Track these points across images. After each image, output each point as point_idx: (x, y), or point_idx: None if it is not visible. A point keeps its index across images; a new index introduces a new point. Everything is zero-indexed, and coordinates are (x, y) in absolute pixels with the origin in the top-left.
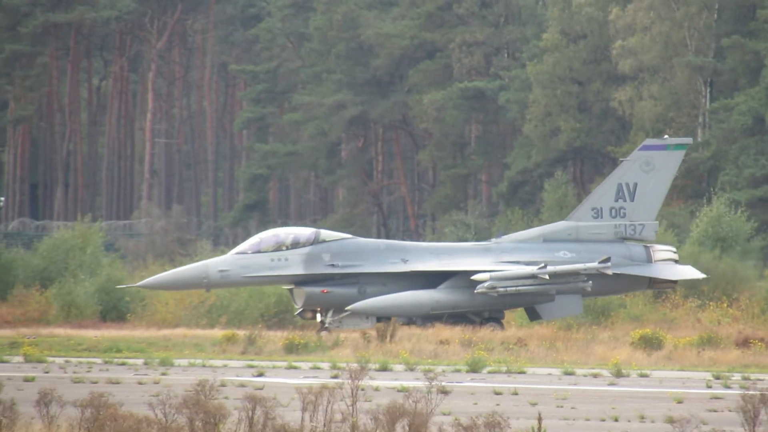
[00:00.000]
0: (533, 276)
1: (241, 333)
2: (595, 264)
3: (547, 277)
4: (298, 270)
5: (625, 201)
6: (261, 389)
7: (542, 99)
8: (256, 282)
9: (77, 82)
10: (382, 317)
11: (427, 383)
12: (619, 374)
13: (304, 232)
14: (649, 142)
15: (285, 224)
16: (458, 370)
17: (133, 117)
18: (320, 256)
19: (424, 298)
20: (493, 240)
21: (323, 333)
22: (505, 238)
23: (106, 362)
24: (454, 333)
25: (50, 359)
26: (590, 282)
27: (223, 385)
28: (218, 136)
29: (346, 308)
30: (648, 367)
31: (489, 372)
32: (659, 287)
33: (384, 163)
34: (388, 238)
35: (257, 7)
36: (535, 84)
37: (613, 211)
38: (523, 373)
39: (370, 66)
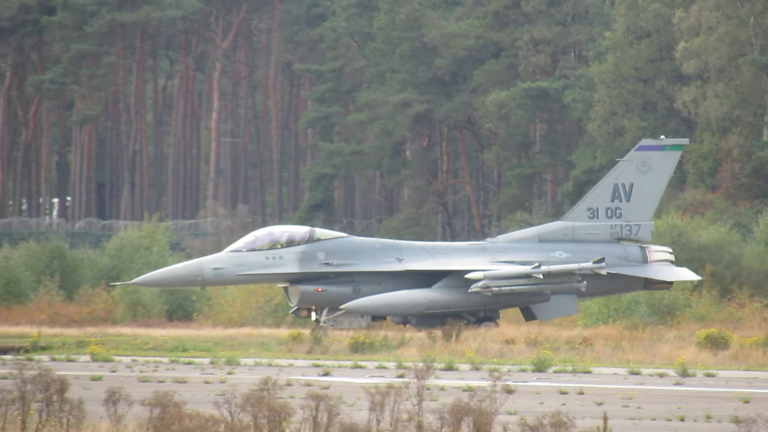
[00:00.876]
0: (527, 275)
1: (307, 332)
2: (589, 264)
3: (541, 276)
4: (293, 268)
5: (621, 201)
6: (327, 388)
7: (606, 99)
8: (251, 280)
9: (143, 81)
10: (377, 316)
11: (492, 382)
12: (685, 374)
13: (299, 230)
14: (645, 142)
15: (350, 224)
16: (524, 370)
17: (198, 116)
18: (315, 255)
19: (419, 297)
20: (489, 240)
21: (318, 331)
22: (501, 237)
23: (172, 361)
24: (520, 332)
25: (117, 358)
26: (585, 282)
27: (288, 384)
28: (283, 136)
29: (341, 307)
30: (714, 367)
31: (554, 371)
32: (655, 288)
33: (449, 162)
34: (453, 238)
35: (322, 6)
36: (598, 84)
37: (609, 211)
38: (589, 372)
39: (433, 65)
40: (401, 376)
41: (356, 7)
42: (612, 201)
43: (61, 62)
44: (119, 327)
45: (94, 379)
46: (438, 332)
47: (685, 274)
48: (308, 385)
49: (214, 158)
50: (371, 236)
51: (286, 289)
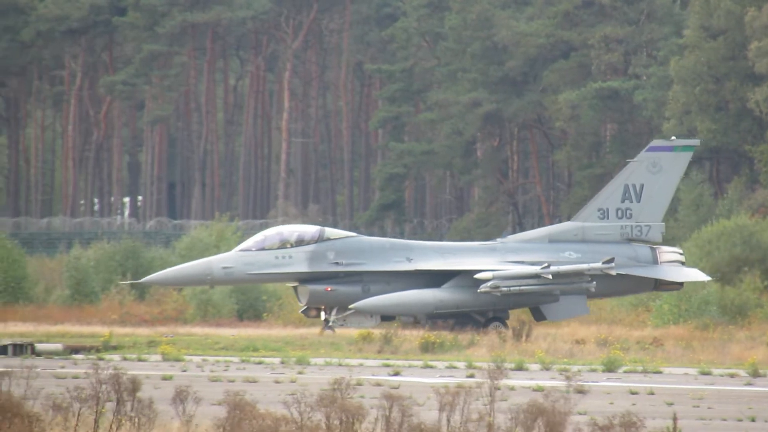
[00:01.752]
0: (536, 276)
1: (378, 332)
2: (598, 264)
3: (550, 276)
4: (303, 268)
5: (631, 202)
6: (397, 388)
7: (681, 96)
8: (260, 279)
9: (214, 81)
10: (386, 316)
11: (563, 383)
12: (756, 374)
13: (309, 229)
14: (656, 143)
15: (420, 224)
16: (594, 370)
17: (269, 116)
18: (325, 254)
19: (428, 297)
20: (499, 240)
21: (327, 331)
22: (511, 238)
23: (242, 361)
24: (590, 332)
25: (188, 358)
26: (594, 282)
27: (359, 384)
28: (354, 135)
29: (350, 306)
30: None
31: (625, 371)
32: (665, 289)
33: (519, 162)
34: None
35: (392, 6)
36: (676, 80)
37: (620, 212)
38: (659, 372)
39: (504, 65)
40: (471, 376)
41: (427, 7)
42: (622, 201)
43: (132, 63)
44: (190, 327)
45: (164, 378)
46: (508, 332)
47: (696, 275)
48: (378, 384)
49: (285, 158)
50: (441, 236)
51: (295, 288)
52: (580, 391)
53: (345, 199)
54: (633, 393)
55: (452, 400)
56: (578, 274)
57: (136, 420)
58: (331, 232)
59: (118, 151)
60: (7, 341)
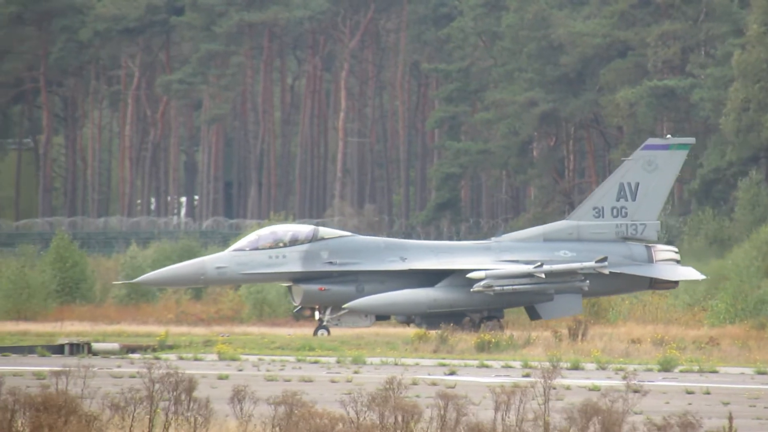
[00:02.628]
0: (530, 275)
1: (433, 331)
2: (591, 263)
3: (543, 275)
4: (296, 267)
5: (626, 201)
6: (452, 387)
7: (741, 93)
8: (254, 279)
9: (271, 81)
10: (381, 315)
11: (619, 382)
12: None
13: (303, 229)
14: (651, 141)
15: (477, 223)
16: (650, 369)
17: (326, 116)
18: (318, 254)
19: (422, 296)
20: (494, 239)
21: (321, 332)
22: (506, 237)
23: (299, 360)
24: (646, 332)
25: (244, 357)
26: (587, 281)
27: (414, 383)
28: (410, 135)
29: (344, 306)
30: None
31: (681, 371)
32: (660, 287)
33: (575, 161)
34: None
35: (449, 6)
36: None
37: (615, 210)
38: (716, 372)
39: (560, 64)
40: (527, 376)
41: (484, 6)
42: (618, 200)
43: (189, 62)
44: (246, 326)
45: (221, 378)
46: (564, 331)
47: (691, 274)
48: (434, 384)
49: (341, 158)
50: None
51: (289, 288)
52: (636, 391)
53: (401, 199)
54: (689, 392)
55: (508, 399)
56: (571, 273)
57: (193, 419)
58: (324, 231)
59: (174, 150)
60: (64, 341)
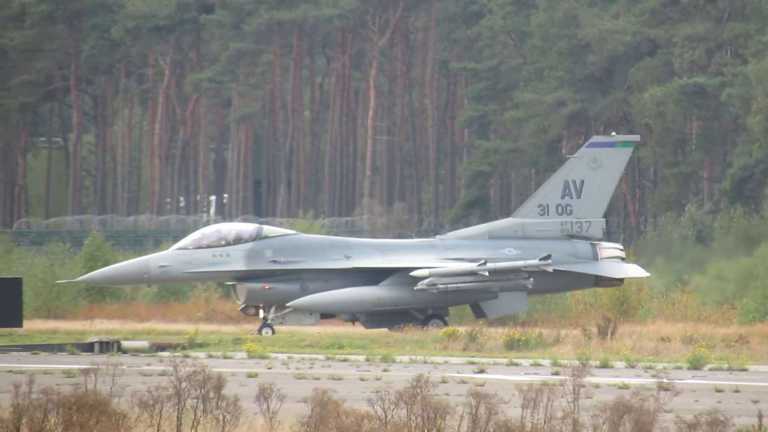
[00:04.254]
0: (473, 273)
1: (462, 329)
2: (535, 261)
3: (486, 273)
4: (240, 266)
5: (571, 198)
6: (482, 385)
7: (764, 99)
8: (198, 278)
9: (300, 79)
10: (325, 314)
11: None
12: None
13: (247, 228)
14: (596, 139)
15: None
16: (679, 367)
17: (355, 114)
18: (262, 252)
19: (366, 294)
20: (438, 237)
21: (266, 330)
22: (450, 234)
23: (328, 358)
24: (676, 330)
25: (273, 355)
26: (531, 279)
27: (443, 381)
28: (439, 134)
29: (288, 304)
30: None
31: (710, 369)
32: (605, 285)
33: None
34: (608, 236)
35: (479, 4)
36: (755, 82)
37: (560, 208)
38: (745, 370)
39: (589, 63)
40: (556, 374)
41: (513, 5)
42: (562, 198)
43: (219, 61)
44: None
45: (250, 376)
46: (593, 329)
47: (635, 271)
48: (463, 382)
49: (370, 156)
50: None
51: (233, 287)
52: (666, 389)
53: (430, 197)
54: (718, 391)
55: (537, 397)
56: (515, 271)
57: (221, 417)
58: (269, 230)
59: (204, 148)
60: (93, 339)
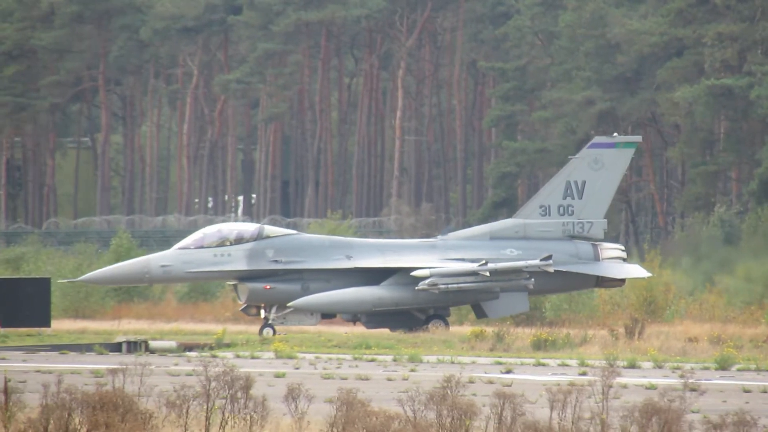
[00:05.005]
0: (474, 273)
1: (490, 330)
2: (536, 261)
3: (487, 274)
4: (241, 266)
5: (573, 199)
6: (509, 386)
7: None
8: (199, 278)
9: (328, 80)
10: (326, 314)
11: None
12: None
13: (248, 227)
14: (598, 139)
15: None
16: (707, 368)
17: (383, 115)
18: (264, 252)
19: (367, 294)
20: (440, 237)
21: (267, 330)
22: (452, 235)
23: (355, 358)
24: (703, 330)
25: (300, 355)
26: (532, 279)
27: (471, 381)
28: (467, 134)
29: (289, 304)
30: None
31: (738, 369)
32: (607, 286)
33: (633, 160)
34: (636, 236)
35: (506, 4)
36: None
37: (562, 208)
38: None
39: (617, 63)
40: (583, 374)
41: (541, 5)
42: (564, 198)
43: (247, 61)
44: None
45: (277, 376)
46: (621, 330)
47: (637, 271)
48: (490, 382)
49: (398, 156)
50: None
51: (235, 286)
52: (693, 390)
53: (458, 197)
54: (746, 391)
55: (564, 398)
56: (516, 272)
57: (249, 417)
58: (270, 230)
59: (232, 149)
60: (121, 339)
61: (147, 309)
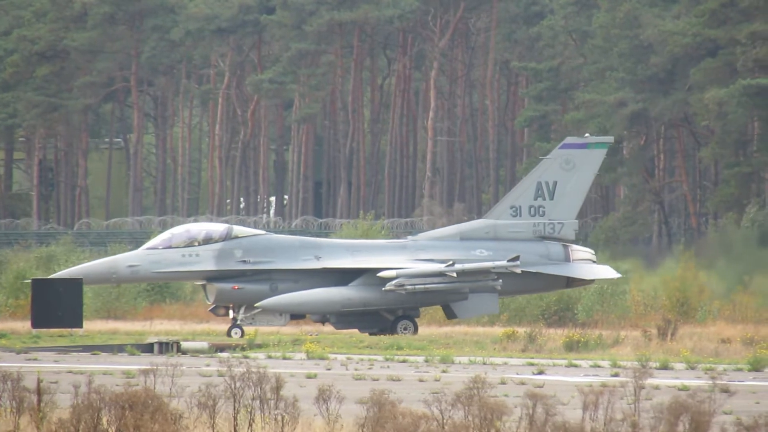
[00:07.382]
0: (442, 274)
1: (522, 331)
2: (503, 262)
3: (454, 274)
4: (210, 266)
5: (544, 199)
6: (541, 387)
7: None
8: (167, 278)
9: (361, 80)
10: (295, 314)
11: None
12: None
13: (217, 228)
14: (569, 140)
15: None
16: (739, 369)
17: (415, 115)
18: (232, 252)
19: (335, 295)
20: (410, 237)
21: (235, 330)
22: (422, 235)
23: (386, 359)
24: (736, 331)
25: (332, 356)
26: (500, 280)
27: (502, 382)
28: (500, 134)
29: (257, 305)
30: None
31: None
32: (577, 286)
33: (665, 160)
34: (669, 237)
35: (540, 4)
36: None
37: (532, 209)
38: None
39: (650, 63)
40: (616, 375)
41: (574, 5)
42: (535, 199)
43: (279, 61)
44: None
45: (309, 377)
46: (653, 330)
47: (606, 272)
48: (522, 383)
49: (431, 157)
50: (586, 236)
51: (204, 286)
52: (726, 391)
53: (490, 198)
54: None
55: (596, 399)
56: (484, 272)
57: (280, 418)
58: (239, 230)
59: (264, 149)
60: (153, 339)
61: (179, 310)
